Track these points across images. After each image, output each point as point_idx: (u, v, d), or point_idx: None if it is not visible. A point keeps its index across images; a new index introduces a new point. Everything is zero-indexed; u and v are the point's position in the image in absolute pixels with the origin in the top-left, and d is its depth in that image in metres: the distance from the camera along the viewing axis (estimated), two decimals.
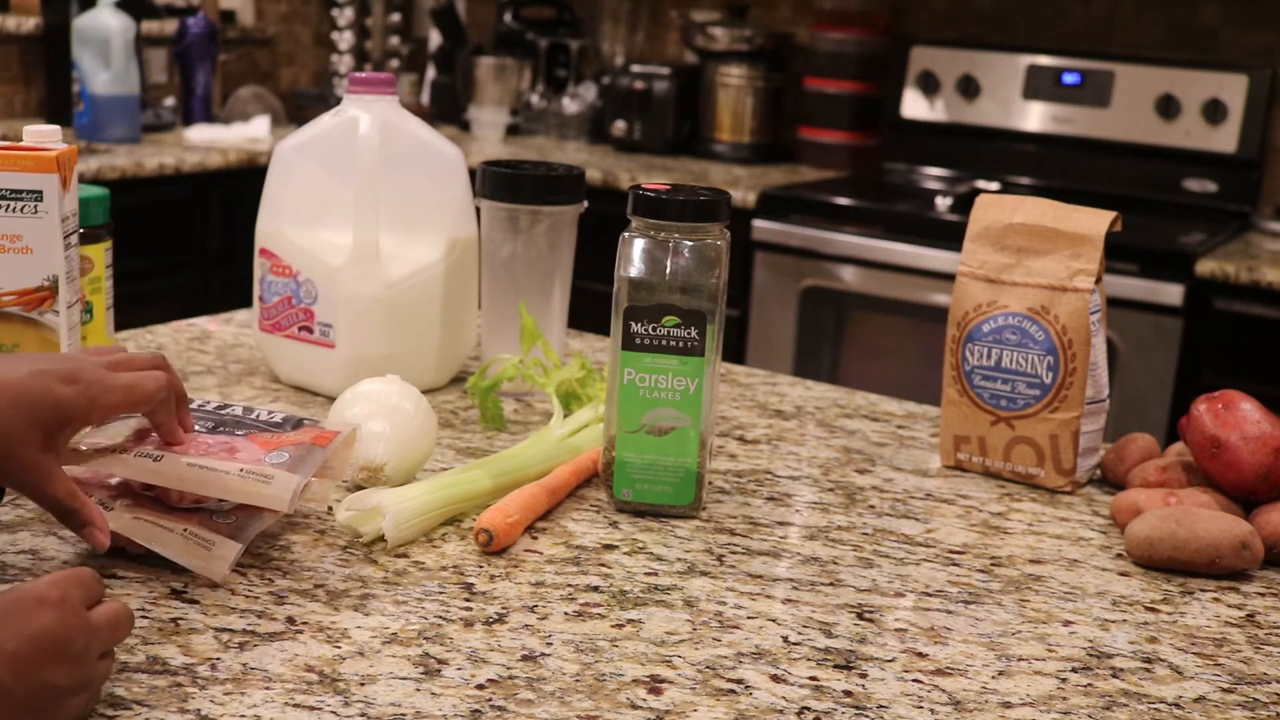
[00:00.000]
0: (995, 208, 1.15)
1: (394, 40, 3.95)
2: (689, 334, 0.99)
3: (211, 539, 0.86)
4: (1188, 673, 0.84)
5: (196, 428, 0.91)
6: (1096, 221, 1.13)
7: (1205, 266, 2.50)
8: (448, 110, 3.82)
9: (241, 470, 0.86)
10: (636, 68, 3.51)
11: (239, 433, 0.91)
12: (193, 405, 0.94)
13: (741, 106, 3.46)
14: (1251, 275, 2.46)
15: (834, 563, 0.97)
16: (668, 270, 0.99)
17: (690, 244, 0.99)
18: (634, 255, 0.99)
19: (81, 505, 0.83)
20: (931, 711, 0.77)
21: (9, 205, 1.07)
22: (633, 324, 0.99)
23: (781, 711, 0.76)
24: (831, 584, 0.93)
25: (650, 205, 0.99)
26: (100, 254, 1.23)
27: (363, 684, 0.75)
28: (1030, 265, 1.13)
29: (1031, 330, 1.11)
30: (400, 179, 1.26)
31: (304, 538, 0.95)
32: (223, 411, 0.95)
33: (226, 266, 3.13)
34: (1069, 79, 3.11)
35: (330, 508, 1.00)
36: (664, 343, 0.99)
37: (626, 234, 1.00)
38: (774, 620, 0.87)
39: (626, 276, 0.99)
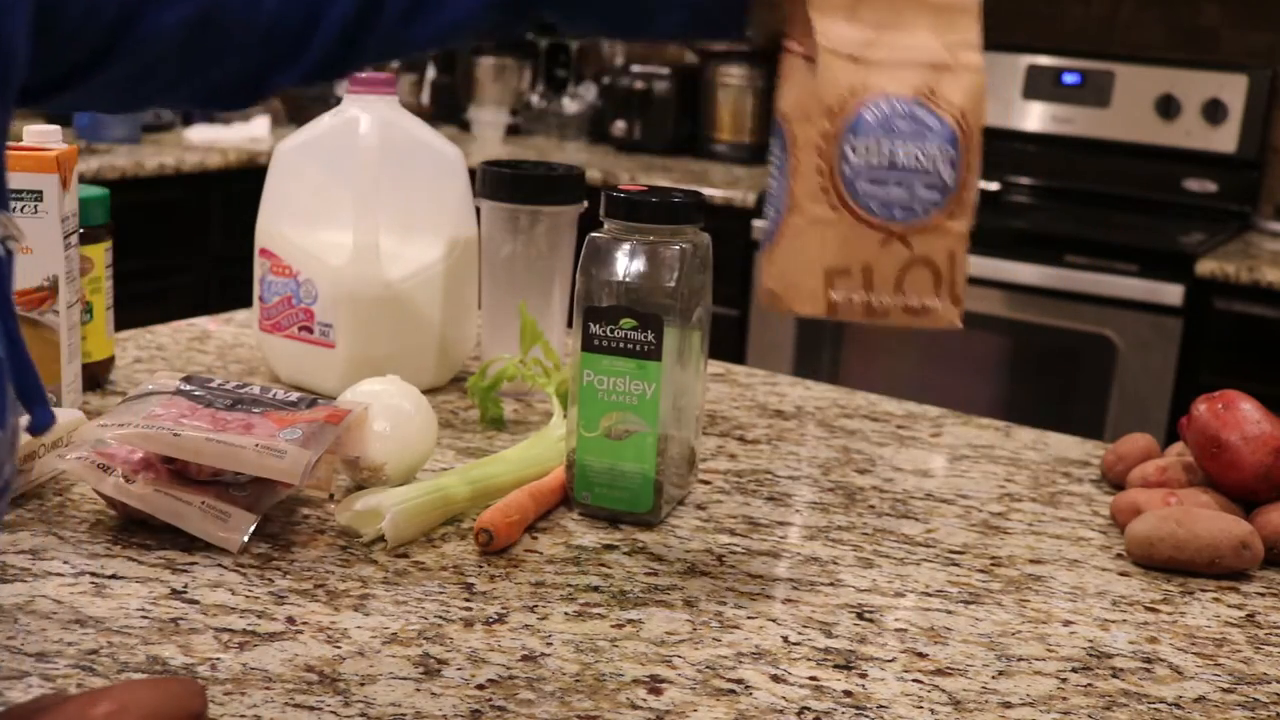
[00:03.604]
0: None
1: None
2: (645, 337, 0.98)
3: (228, 510, 0.91)
4: (1188, 673, 0.84)
5: (215, 404, 0.97)
6: None
7: (1205, 266, 2.50)
8: (448, 110, 3.82)
9: (257, 445, 0.91)
10: (636, 68, 3.51)
11: (255, 410, 0.96)
12: (212, 384, 1.00)
13: (741, 106, 3.46)
14: (1251, 275, 2.46)
15: (834, 563, 0.97)
16: (627, 272, 0.98)
17: (651, 246, 0.98)
18: (596, 255, 0.99)
19: None
20: (931, 711, 0.77)
21: (9, 205, 1.07)
22: (592, 325, 0.99)
23: (781, 711, 0.76)
24: (831, 584, 0.93)
25: (617, 206, 0.99)
26: (100, 254, 1.23)
27: (363, 684, 0.75)
28: (894, 41, 0.90)
29: (926, 117, 0.89)
30: (400, 179, 1.26)
31: (304, 538, 0.95)
32: (241, 390, 1.00)
33: (226, 266, 3.13)
34: (1069, 79, 3.11)
35: (332, 495, 1.00)
36: (621, 345, 0.98)
37: (593, 234, 1.00)
38: (774, 620, 0.87)
39: (586, 276, 0.99)
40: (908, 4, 0.90)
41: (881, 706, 0.77)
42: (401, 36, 0.75)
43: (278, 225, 1.27)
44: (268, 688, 0.74)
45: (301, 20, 0.74)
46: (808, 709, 0.76)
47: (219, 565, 0.89)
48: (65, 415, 1.04)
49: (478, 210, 1.31)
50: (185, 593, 0.85)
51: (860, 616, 0.88)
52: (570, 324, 1.39)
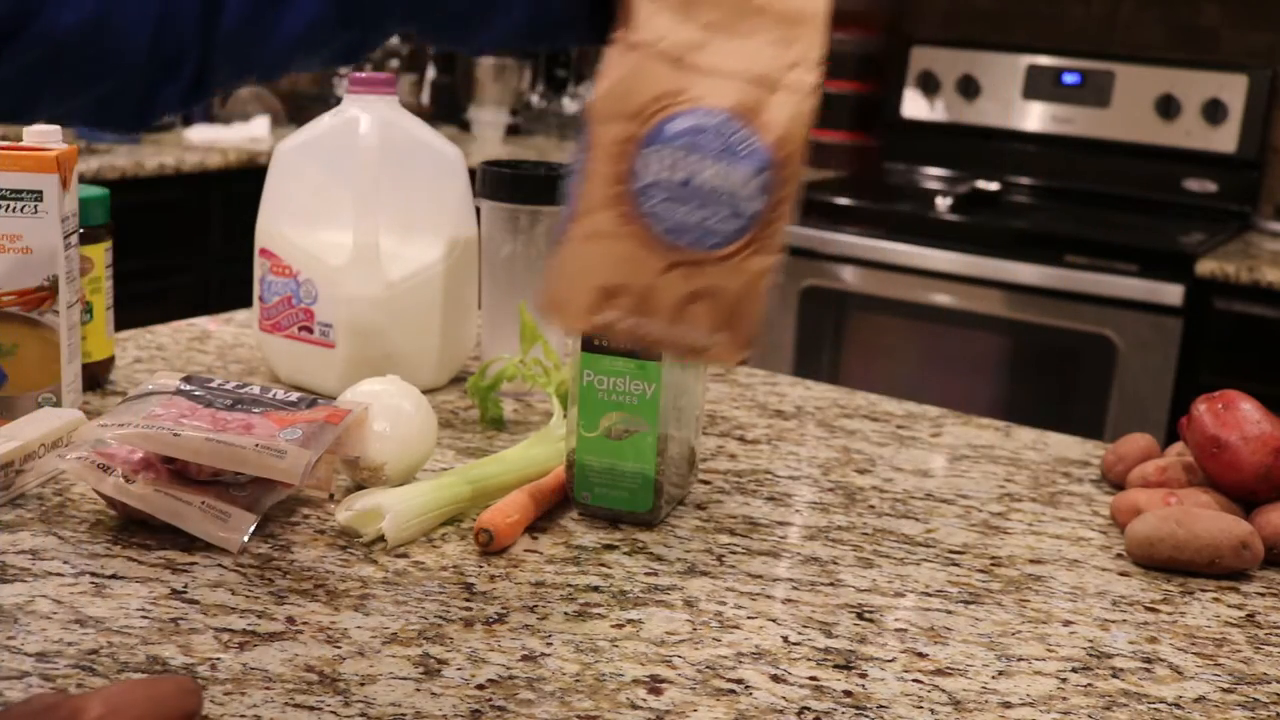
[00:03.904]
0: None
1: (394, 40, 3.96)
2: None
3: (228, 510, 0.91)
4: (1188, 673, 0.84)
5: (215, 404, 0.96)
6: None
7: (1205, 266, 2.50)
8: (448, 110, 3.82)
9: (257, 445, 0.91)
10: None
11: (255, 410, 0.96)
12: (212, 384, 1.00)
13: None
14: (1251, 275, 2.46)
15: (834, 563, 0.97)
16: None
17: None
18: None
19: None
20: (931, 711, 0.77)
21: (9, 205, 1.07)
22: None
23: (781, 711, 0.76)
24: (831, 584, 0.93)
25: None
26: (100, 254, 1.23)
27: (363, 684, 0.75)
28: (726, 47, 0.79)
29: (739, 137, 0.78)
30: (400, 179, 1.26)
31: (304, 538, 0.95)
32: (241, 390, 1.00)
33: (226, 266, 3.13)
34: (1069, 79, 3.11)
35: (332, 495, 1.00)
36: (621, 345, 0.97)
37: None
38: (774, 620, 0.87)
39: None
40: (748, 8, 0.79)
41: (881, 706, 0.77)
42: (247, 55, 0.75)
43: (278, 225, 1.27)
44: (268, 688, 0.74)
45: (178, 33, 0.73)
46: (808, 709, 0.76)
47: (219, 565, 0.89)
48: (65, 415, 1.04)
49: (478, 210, 1.31)
50: (185, 593, 0.85)
51: (860, 616, 0.88)
52: None
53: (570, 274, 0.78)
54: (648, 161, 0.76)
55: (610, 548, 0.97)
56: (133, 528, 0.94)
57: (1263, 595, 0.96)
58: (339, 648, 0.79)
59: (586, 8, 0.75)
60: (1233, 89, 2.95)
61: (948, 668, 0.82)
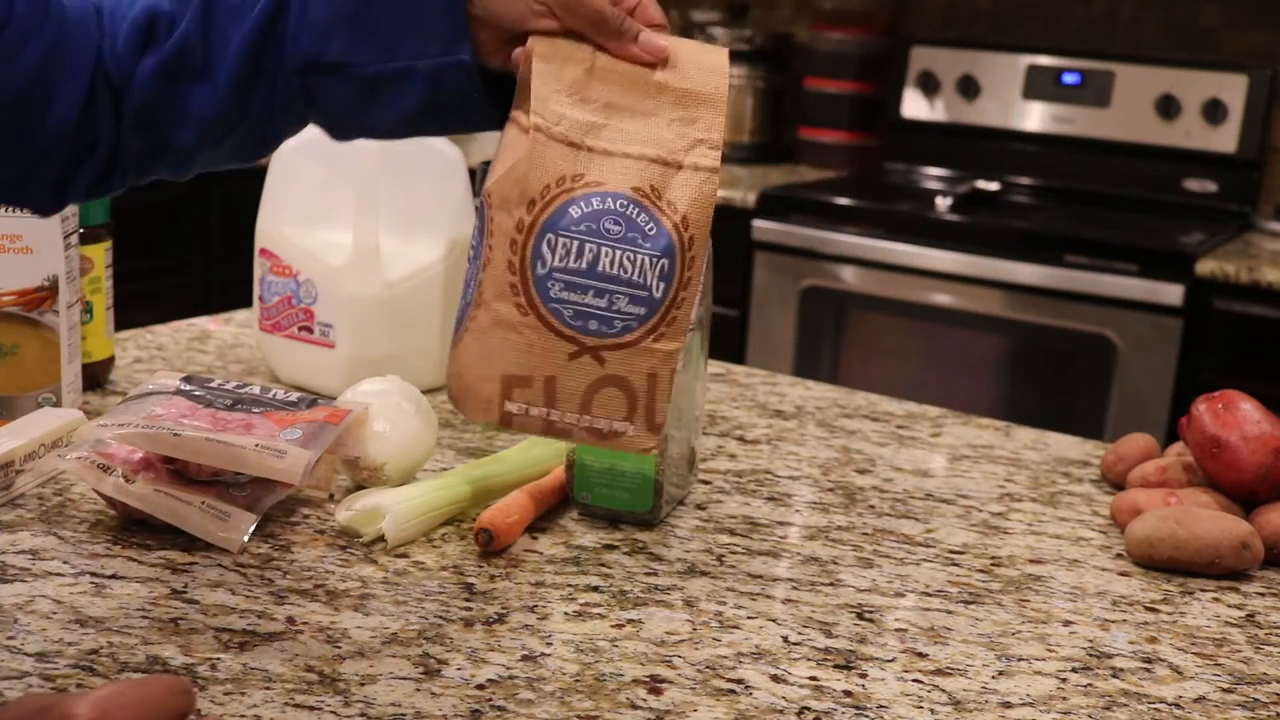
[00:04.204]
0: (568, 47, 0.77)
1: None
2: None
3: (228, 510, 0.91)
4: (1188, 673, 0.84)
5: (215, 404, 0.97)
6: (709, 74, 0.79)
7: (1205, 266, 2.50)
8: None
9: (257, 445, 0.91)
10: None
11: (255, 410, 0.96)
12: (212, 384, 1.00)
13: (741, 106, 3.46)
14: (1251, 275, 2.46)
15: (834, 563, 0.97)
16: None
17: None
18: None
19: None
20: (931, 711, 0.77)
21: (9, 206, 1.07)
22: None
23: (781, 711, 0.76)
24: (831, 584, 0.93)
25: None
26: (100, 254, 1.23)
27: (363, 684, 0.75)
28: (626, 128, 0.77)
29: (641, 220, 0.76)
30: (400, 179, 1.26)
31: (304, 538, 0.95)
32: (241, 390, 1.00)
33: (226, 266, 3.13)
34: (1069, 79, 3.11)
35: (332, 495, 1.01)
36: None
37: None
38: (774, 620, 0.87)
39: None
40: (648, 88, 0.78)
41: (881, 706, 0.77)
42: (159, 132, 0.75)
43: (278, 225, 1.27)
44: (268, 688, 0.74)
45: (97, 107, 0.74)
46: (808, 709, 0.76)
47: (219, 565, 0.89)
48: (65, 415, 1.04)
49: (478, 210, 1.31)
50: (185, 593, 0.85)
51: (860, 616, 0.88)
52: None
53: (473, 364, 0.76)
54: (547, 249, 0.75)
55: (610, 548, 0.97)
56: (133, 528, 0.94)
57: (1263, 595, 0.96)
58: (339, 648, 0.79)
59: (477, 93, 0.75)
60: (1233, 89, 2.95)
61: (948, 668, 0.82)
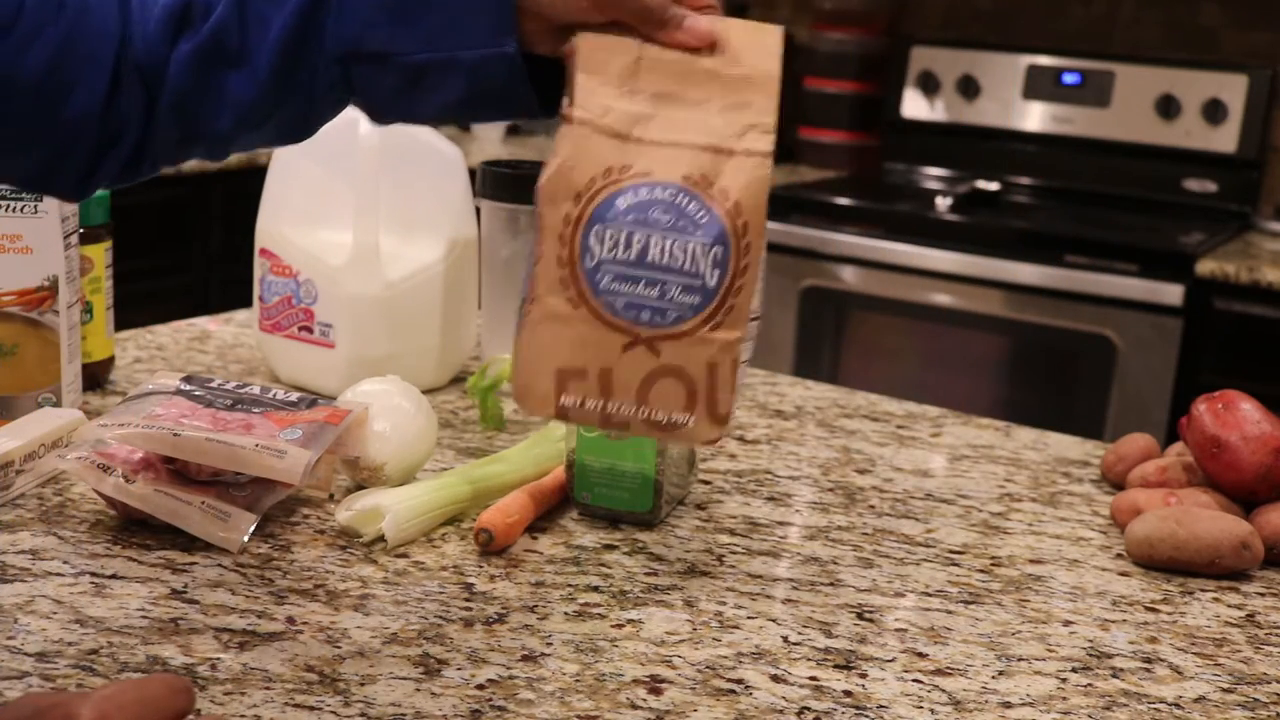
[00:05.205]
0: (615, 39, 0.77)
1: None
2: None
3: (228, 510, 0.91)
4: (1188, 673, 0.84)
5: (215, 404, 0.97)
6: (760, 56, 0.77)
7: (1205, 266, 2.50)
8: None
9: (257, 445, 0.91)
10: None
11: (255, 410, 0.96)
12: (212, 384, 1.00)
13: None
14: (1251, 275, 2.46)
15: (834, 563, 0.97)
16: None
17: None
18: None
19: None
20: (931, 711, 0.77)
21: (9, 205, 1.07)
22: None
23: (781, 711, 0.76)
24: (831, 584, 0.93)
25: None
26: (100, 254, 1.23)
27: (363, 684, 0.75)
28: (675, 117, 0.77)
29: (691, 209, 0.75)
30: (400, 179, 1.26)
31: (304, 538, 0.95)
32: (241, 390, 1.00)
33: (226, 266, 3.13)
34: (1069, 79, 3.11)
35: (332, 495, 1.01)
36: None
37: None
38: (774, 620, 0.87)
39: None
40: (698, 76, 0.76)
41: (881, 706, 0.77)
42: (194, 120, 0.75)
43: (278, 225, 1.27)
44: (268, 688, 0.74)
45: (127, 93, 0.73)
46: (808, 709, 0.76)
47: (219, 565, 0.89)
48: (65, 415, 1.04)
49: (478, 210, 1.31)
50: (185, 593, 0.85)
51: (860, 616, 0.88)
52: None
53: (530, 360, 0.76)
54: (595, 240, 0.75)
55: (610, 548, 0.97)
56: (133, 528, 0.94)
57: (1263, 595, 0.96)
58: (339, 648, 0.79)
59: (522, 84, 0.74)
60: (1233, 89, 2.95)
61: (948, 668, 0.82)
